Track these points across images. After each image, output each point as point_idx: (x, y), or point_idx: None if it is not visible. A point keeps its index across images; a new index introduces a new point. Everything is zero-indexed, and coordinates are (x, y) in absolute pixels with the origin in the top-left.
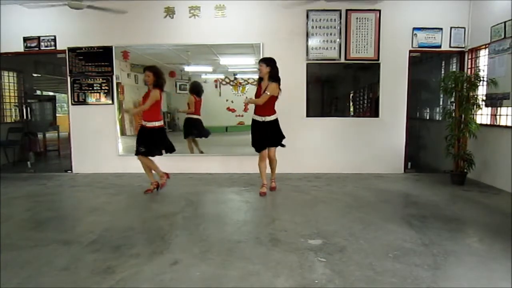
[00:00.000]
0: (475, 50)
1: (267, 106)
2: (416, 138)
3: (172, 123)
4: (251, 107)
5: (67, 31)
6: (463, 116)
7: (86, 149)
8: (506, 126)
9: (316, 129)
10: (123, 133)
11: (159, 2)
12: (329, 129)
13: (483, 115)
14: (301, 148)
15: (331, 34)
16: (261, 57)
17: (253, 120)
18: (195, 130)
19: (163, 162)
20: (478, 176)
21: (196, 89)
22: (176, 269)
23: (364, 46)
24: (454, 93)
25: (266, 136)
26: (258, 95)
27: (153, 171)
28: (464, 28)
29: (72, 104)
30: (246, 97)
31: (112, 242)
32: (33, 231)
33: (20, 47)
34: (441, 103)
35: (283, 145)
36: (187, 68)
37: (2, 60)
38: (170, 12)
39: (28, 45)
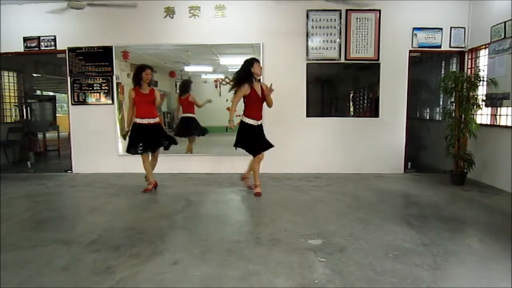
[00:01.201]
0: (475, 50)
1: (261, 109)
2: (416, 138)
3: (172, 123)
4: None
5: (67, 31)
6: (463, 116)
7: (86, 149)
8: (506, 126)
9: (316, 129)
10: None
11: (159, 2)
12: (329, 129)
13: (483, 115)
14: (301, 148)
15: (331, 34)
16: (261, 57)
17: (248, 125)
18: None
19: (163, 162)
20: (478, 176)
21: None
22: (176, 269)
23: (364, 46)
24: (454, 93)
25: (262, 139)
26: (258, 98)
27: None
28: (464, 28)
29: (72, 104)
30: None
31: (112, 242)
32: (33, 231)
33: (20, 47)
34: (441, 103)
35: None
36: (187, 68)
37: (2, 60)
38: (170, 12)
39: (28, 45)
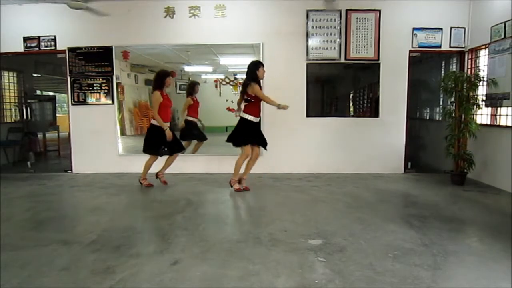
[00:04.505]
0: (475, 50)
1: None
2: (416, 138)
3: (172, 123)
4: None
5: (67, 31)
6: (463, 116)
7: (86, 149)
8: (506, 126)
9: (316, 129)
10: (123, 133)
11: (159, 2)
12: (329, 129)
13: (483, 115)
14: (301, 148)
15: (331, 34)
16: (261, 57)
17: (250, 121)
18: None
19: (163, 162)
20: (478, 176)
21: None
22: (176, 269)
23: (364, 46)
24: (454, 93)
25: (261, 135)
26: (259, 98)
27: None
28: (464, 28)
29: (72, 104)
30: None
31: (112, 242)
32: (33, 231)
33: (20, 47)
34: (441, 103)
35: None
36: (187, 68)
37: (2, 60)
38: (170, 12)
39: (28, 45)
